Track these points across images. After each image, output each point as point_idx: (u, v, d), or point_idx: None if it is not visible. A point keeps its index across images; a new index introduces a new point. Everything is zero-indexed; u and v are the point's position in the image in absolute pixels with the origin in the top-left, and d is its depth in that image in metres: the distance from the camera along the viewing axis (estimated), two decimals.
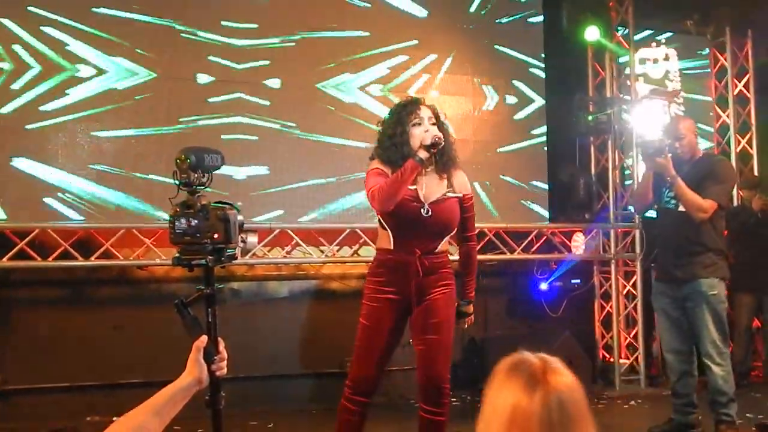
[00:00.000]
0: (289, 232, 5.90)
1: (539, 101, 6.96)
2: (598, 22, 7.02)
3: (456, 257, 3.85)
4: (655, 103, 6.82)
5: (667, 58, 7.66)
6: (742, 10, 7.43)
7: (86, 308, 5.72)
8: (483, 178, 6.55)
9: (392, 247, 3.60)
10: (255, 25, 6.06)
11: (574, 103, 7.08)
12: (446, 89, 6.62)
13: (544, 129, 6.94)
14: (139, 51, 5.71)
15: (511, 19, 6.92)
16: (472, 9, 6.82)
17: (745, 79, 7.75)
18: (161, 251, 5.46)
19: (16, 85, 5.42)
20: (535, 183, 6.89)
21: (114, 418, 1.87)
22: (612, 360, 6.94)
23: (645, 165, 5.15)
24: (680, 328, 4.84)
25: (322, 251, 6.07)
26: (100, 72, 5.62)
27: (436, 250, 3.63)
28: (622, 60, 7.22)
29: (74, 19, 5.57)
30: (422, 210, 3.57)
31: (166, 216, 2.26)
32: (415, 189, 3.58)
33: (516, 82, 6.89)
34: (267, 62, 6.08)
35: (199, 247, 2.15)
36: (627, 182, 7.16)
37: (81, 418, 5.32)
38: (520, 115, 6.89)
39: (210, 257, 2.15)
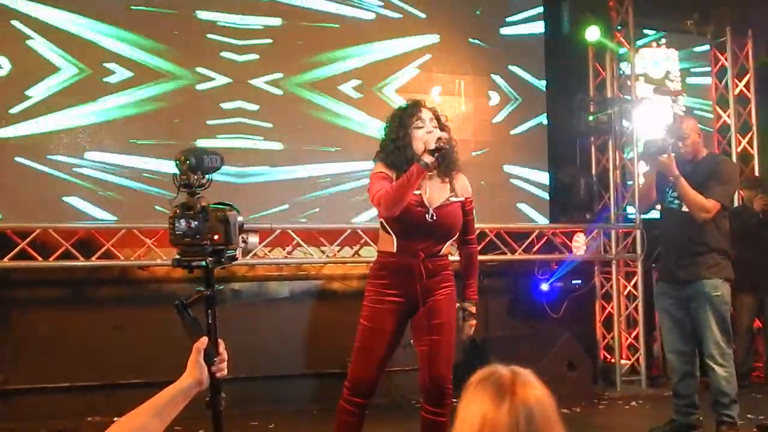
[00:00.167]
0: (290, 232, 5.89)
1: (539, 101, 6.94)
2: (599, 22, 7.02)
3: (456, 258, 3.86)
4: (659, 101, 6.80)
5: (667, 59, 7.66)
6: (742, 10, 7.42)
7: (87, 308, 5.72)
8: (483, 178, 6.54)
9: (395, 251, 3.60)
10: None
11: (574, 104, 7.08)
12: (446, 89, 6.61)
13: (544, 129, 6.93)
14: (136, 60, 5.72)
15: (511, 19, 6.91)
16: (472, 9, 6.81)
17: (745, 79, 7.74)
18: (162, 251, 5.47)
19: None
20: (535, 183, 6.88)
21: (114, 419, 1.87)
22: (613, 360, 6.92)
23: (648, 164, 5.13)
24: (683, 328, 4.82)
25: (323, 252, 6.07)
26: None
27: (440, 253, 3.64)
28: (622, 61, 7.21)
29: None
30: (427, 215, 3.57)
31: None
32: (420, 194, 3.57)
33: (516, 82, 6.87)
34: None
35: (199, 249, 2.15)
36: (628, 182, 7.15)
37: (81, 418, 5.33)
38: (520, 115, 6.87)
39: (210, 259, 2.15)
